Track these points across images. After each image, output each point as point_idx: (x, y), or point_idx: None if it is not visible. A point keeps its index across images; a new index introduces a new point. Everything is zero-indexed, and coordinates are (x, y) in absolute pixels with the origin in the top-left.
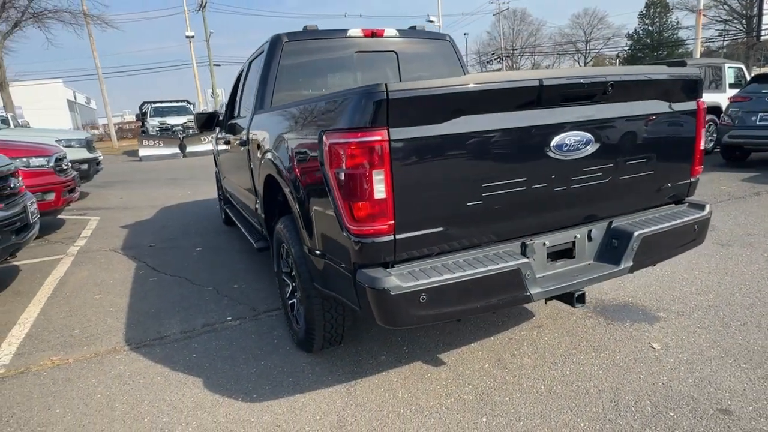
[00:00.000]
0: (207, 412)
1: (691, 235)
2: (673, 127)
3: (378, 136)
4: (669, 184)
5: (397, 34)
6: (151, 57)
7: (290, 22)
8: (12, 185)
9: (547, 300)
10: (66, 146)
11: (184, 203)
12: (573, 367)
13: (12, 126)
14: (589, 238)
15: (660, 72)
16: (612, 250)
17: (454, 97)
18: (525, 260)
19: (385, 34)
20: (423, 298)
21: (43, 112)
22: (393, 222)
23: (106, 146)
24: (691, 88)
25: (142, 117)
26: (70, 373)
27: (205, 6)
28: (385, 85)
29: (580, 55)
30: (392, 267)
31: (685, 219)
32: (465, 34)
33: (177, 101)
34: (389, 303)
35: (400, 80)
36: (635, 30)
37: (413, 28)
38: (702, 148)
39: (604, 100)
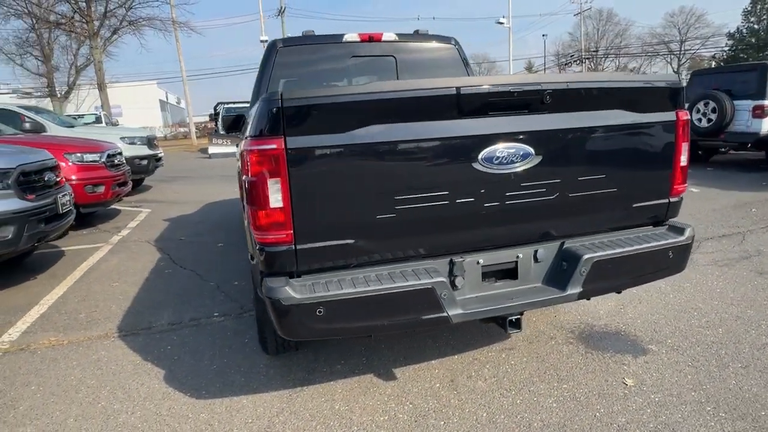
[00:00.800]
0: (154, 404)
1: (665, 262)
2: (643, 141)
3: (273, 145)
4: (641, 204)
5: (396, 38)
6: (233, 60)
7: (366, 25)
8: (46, 179)
9: (483, 321)
10: (129, 143)
11: (227, 200)
12: (527, 396)
13: (104, 123)
14: (536, 259)
15: (620, 80)
16: (561, 273)
17: (359, 105)
18: (440, 279)
19: (383, 39)
20: (320, 312)
21: (139, 111)
22: (292, 232)
23: (187, 143)
24: (669, 98)
25: (215, 117)
26: (59, 354)
27: (283, 11)
28: (281, 93)
29: (673, 56)
30: (299, 277)
31: (654, 243)
32: (543, 35)
33: (247, 102)
34: (283, 314)
35: None
36: (738, 29)
37: (416, 32)
38: (684, 164)
39: (545, 109)
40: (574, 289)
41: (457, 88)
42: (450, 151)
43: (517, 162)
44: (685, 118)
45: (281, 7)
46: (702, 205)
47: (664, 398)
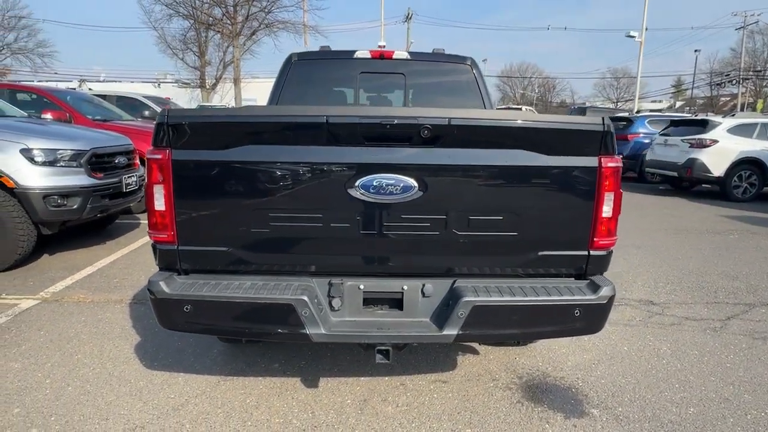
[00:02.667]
0: (113, 365)
1: (570, 320)
2: (555, 186)
3: (160, 155)
4: (549, 253)
5: (408, 56)
6: None
7: (490, 34)
8: (116, 161)
9: (364, 347)
10: None
11: None
12: (423, 431)
13: None
14: (423, 294)
15: (525, 119)
16: (444, 312)
17: (235, 126)
18: (302, 298)
19: (394, 56)
20: (187, 308)
21: None
22: (174, 233)
23: None
24: (590, 142)
25: None
26: (78, 309)
27: (410, 18)
28: (168, 111)
29: None
30: (185, 275)
31: (555, 298)
32: (696, 51)
33: None
34: (156, 305)
35: (405, 102)
36: None
37: (433, 51)
38: (607, 215)
39: (431, 143)
40: (451, 331)
41: (327, 117)
42: (323, 176)
43: (396, 193)
44: (610, 165)
45: (408, 14)
46: None
47: None
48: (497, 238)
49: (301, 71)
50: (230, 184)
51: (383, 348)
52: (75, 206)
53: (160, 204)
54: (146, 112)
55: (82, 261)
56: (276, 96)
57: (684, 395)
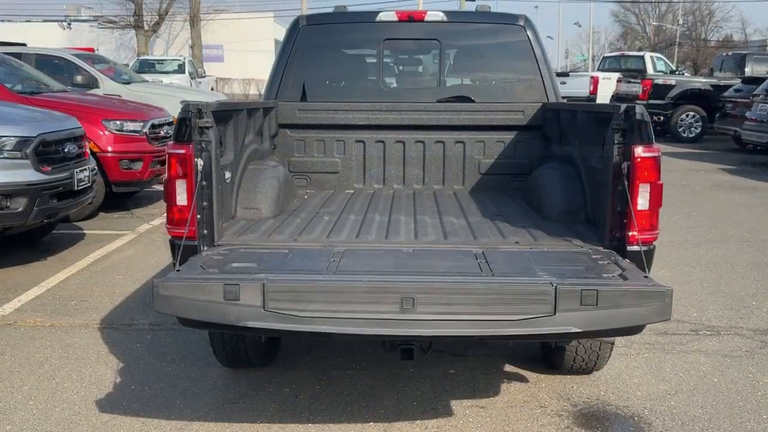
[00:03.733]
0: (98, 390)
1: None
2: None
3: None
4: None
5: (444, 17)
6: None
7: None
8: (66, 150)
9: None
10: None
11: None
12: None
13: (187, 73)
14: None
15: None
16: None
17: None
18: None
19: (426, 18)
20: None
21: (245, 55)
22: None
23: None
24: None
25: None
26: (38, 334)
27: None
28: (189, 104)
29: None
30: None
31: None
32: None
33: None
34: None
35: (441, 75)
36: None
37: (477, 8)
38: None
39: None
40: None
41: None
42: None
43: None
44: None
45: None
46: None
47: None
48: None
49: (311, 39)
50: None
51: (407, 346)
52: (20, 209)
53: (182, 200)
54: (78, 77)
55: (23, 280)
56: (280, 72)
57: None
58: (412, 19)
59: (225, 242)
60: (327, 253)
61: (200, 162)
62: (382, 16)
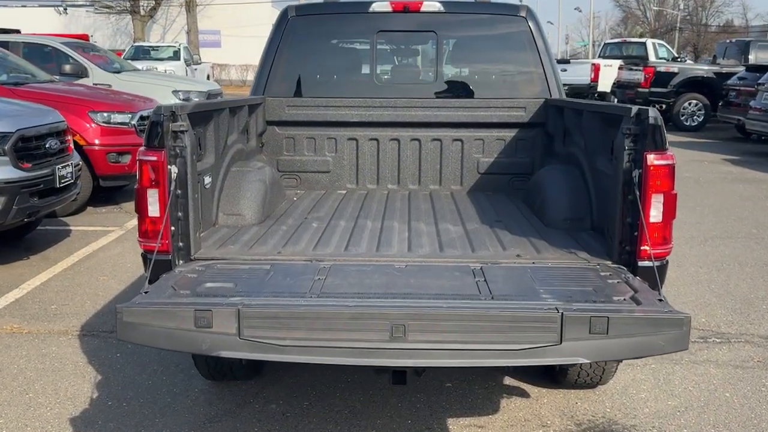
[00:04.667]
0: (74, 406)
1: None
2: None
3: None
4: None
5: (441, 8)
6: None
7: None
8: (47, 145)
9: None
10: (184, 99)
11: None
12: None
13: (182, 60)
14: None
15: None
16: None
17: None
18: None
19: (422, 9)
20: None
21: (243, 41)
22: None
23: None
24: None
25: None
26: (15, 342)
27: None
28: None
29: None
30: None
31: None
32: None
33: None
34: None
35: (438, 68)
36: None
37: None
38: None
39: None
40: None
41: None
42: None
43: None
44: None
45: None
46: None
47: None
48: None
49: (301, 30)
50: None
51: (399, 369)
52: None
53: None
54: (66, 66)
55: (4, 282)
56: (268, 65)
57: None
58: (407, 9)
59: (202, 255)
60: (312, 269)
61: (174, 169)
62: (375, 7)
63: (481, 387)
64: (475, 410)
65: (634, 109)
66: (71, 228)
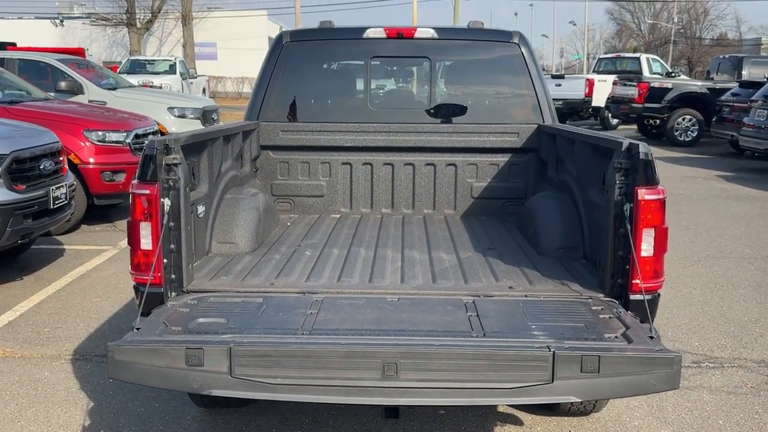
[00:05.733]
0: None
1: None
2: None
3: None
4: None
5: (434, 34)
6: None
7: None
8: (42, 167)
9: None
10: (179, 116)
11: None
12: None
13: (178, 74)
14: None
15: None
16: None
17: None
18: None
19: (416, 35)
20: None
21: (240, 53)
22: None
23: None
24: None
25: None
26: (7, 367)
27: None
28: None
29: None
30: None
31: None
32: None
33: None
34: None
35: (431, 94)
36: None
37: (469, 25)
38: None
39: None
40: None
41: None
42: None
43: None
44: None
45: None
46: None
47: None
48: None
49: (295, 56)
50: None
51: (391, 406)
52: None
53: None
54: (62, 83)
55: None
56: (262, 90)
57: None
58: (401, 36)
59: (195, 287)
60: (305, 303)
61: (167, 202)
62: (369, 33)
63: (475, 415)
64: None
65: (625, 143)
66: (65, 247)
